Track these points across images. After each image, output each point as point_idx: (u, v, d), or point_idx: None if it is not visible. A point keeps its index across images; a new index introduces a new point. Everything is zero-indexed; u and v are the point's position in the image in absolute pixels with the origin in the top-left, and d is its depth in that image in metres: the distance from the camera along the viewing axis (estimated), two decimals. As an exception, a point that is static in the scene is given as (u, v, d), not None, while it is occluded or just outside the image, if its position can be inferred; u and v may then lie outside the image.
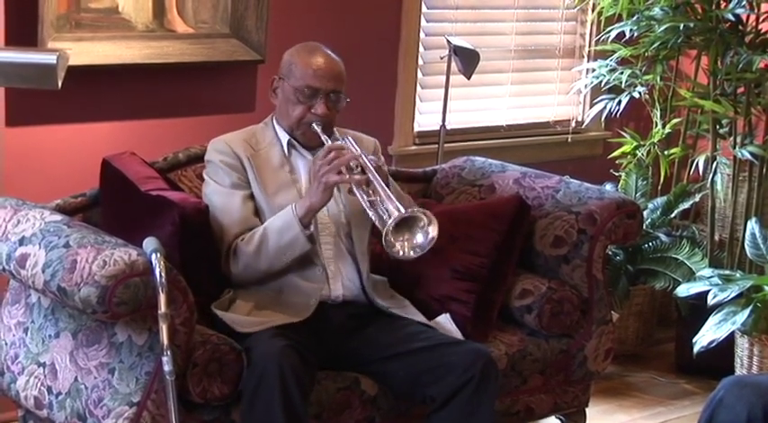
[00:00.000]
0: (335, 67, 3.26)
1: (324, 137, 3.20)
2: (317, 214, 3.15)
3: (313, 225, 3.14)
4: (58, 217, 2.98)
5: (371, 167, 3.07)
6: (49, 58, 2.92)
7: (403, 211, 2.93)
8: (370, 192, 3.05)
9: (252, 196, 3.22)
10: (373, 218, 3.02)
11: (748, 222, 4.37)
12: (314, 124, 3.22)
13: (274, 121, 3.34)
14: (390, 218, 2.93)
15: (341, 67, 3.28)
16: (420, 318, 3.23)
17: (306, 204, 3.10)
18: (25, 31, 3.48)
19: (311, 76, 3.22)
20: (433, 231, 2.96)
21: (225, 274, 3.18)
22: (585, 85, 4.89)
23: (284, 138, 3.30)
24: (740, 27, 4.43)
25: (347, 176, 3.06)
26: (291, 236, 3.09)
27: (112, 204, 3.30)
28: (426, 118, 4.58)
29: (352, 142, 3.20)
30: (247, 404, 2.87)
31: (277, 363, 2.84)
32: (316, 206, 3.11)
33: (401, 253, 2.96)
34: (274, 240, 3.11)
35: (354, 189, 3.09)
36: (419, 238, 2.97)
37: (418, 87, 4.55)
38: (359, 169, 3.08)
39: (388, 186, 3.11)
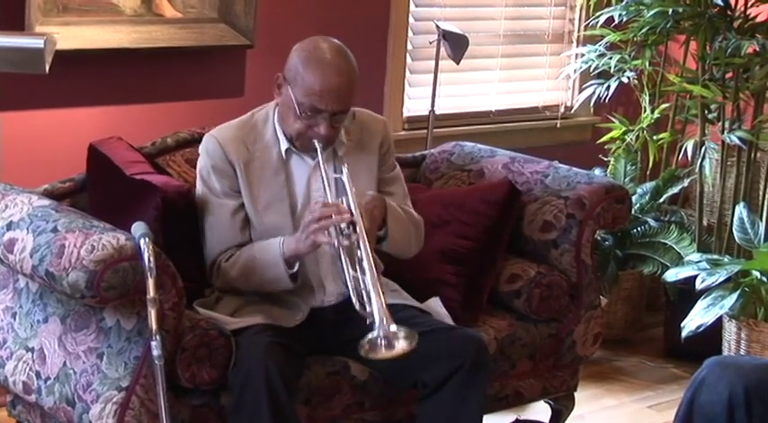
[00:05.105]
0: (345, 86, 2.96)
1: (322, 163, 2.97)
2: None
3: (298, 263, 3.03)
4: (45, 202, 2.96)
5: (364, 237, 2.86)
6: (37, 43, 2.90)
7: (383, 322, 2.77)
8: (355, 259, 2.88)
9: (242, 205, 3.09)
10: (352, 294, 2.87)
11: (736, 207, 4.37)
12: (315, 142, 2.99)
13: (276, 119, 3.11)
14: (372, 318, 2.79)
15: (352, 79, 2.99)
16: (412, 302, 3.21)
17: (292, 248, 2.96)
18: (12, 15, 3.46)
19: (317, 96, 2.94)
20: (404, 347, 2.78)
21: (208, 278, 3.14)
22: (574, 71, 4.89)
23: (283, 143, 3.09)
24: (729, 12, 4.42)
25: (335, 241, 2.89)
26: (275, 274, 3.00)
27: (99, 189, 3.29)
28: (415, 103, 4.57)
29: (350, 192, 2.95)
30: (234, 404, 2.84)
31: (263, 362, 2.80)
32: (302, 253, 2.98)
33: (366, 355, 2.80)
34: (258, 273, 3.02)
35: (341, 254, 2.91)
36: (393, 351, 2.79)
37: (407, 72, 4.54)
38: (351, 228, 2.88)
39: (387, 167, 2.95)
